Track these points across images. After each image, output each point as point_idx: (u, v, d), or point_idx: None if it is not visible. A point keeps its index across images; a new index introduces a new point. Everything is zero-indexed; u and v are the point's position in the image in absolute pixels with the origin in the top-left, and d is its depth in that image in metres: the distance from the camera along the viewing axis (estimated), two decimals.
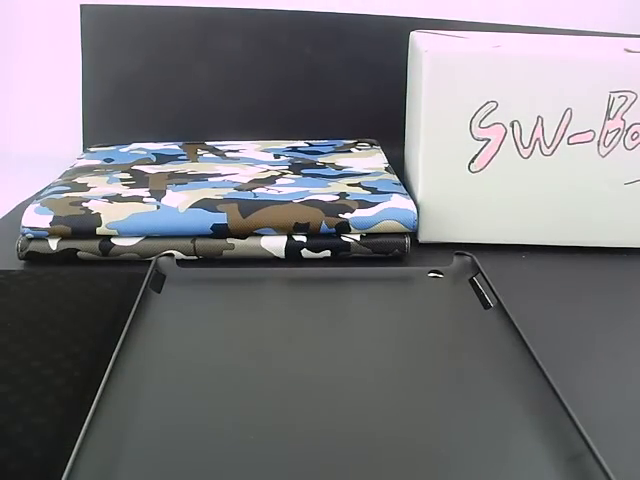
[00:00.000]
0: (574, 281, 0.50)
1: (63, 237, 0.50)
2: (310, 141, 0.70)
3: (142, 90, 0.77)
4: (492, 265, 0.45)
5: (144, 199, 0.53)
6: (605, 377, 0.38)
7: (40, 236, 0.50)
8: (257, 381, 0.35)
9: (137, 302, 0.40)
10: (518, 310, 0.40)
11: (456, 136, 0.52)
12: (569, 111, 0.51)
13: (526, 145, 0.52)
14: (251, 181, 0.57)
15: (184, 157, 0.64)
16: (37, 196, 0.54)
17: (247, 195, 0.53)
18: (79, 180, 0.57)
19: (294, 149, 0.67)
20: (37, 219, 0.50)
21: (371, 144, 0.69)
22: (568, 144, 0.52)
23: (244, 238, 0.51)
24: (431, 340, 0.39)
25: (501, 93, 0.51)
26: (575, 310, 0.45)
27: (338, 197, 0.53)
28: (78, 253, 0.50)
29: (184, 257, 0.51)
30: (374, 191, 0.54)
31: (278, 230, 0.51)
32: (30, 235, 0.50)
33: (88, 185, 0.56)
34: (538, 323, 0.41)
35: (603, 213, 0.53)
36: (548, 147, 0.52)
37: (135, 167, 0.61)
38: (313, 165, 0.62)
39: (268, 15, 0.76)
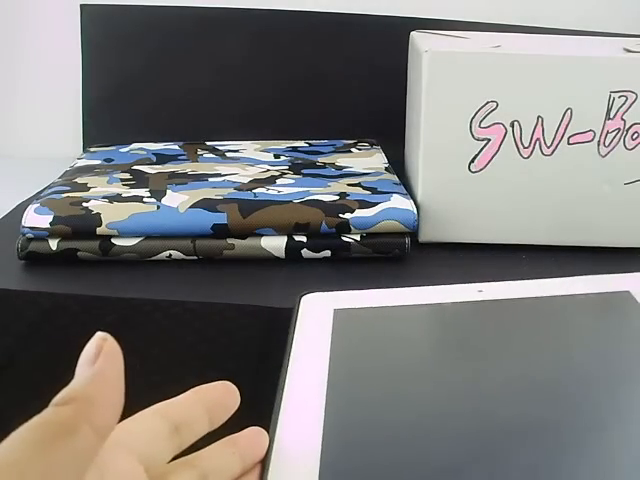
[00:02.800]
0: None
1: (63, 237, 0.50)
2: (310, 141, 0.70)
3: (142, 90, 0.77)
4: (492, 265, 0.45)
5: (144, 199, 0.53)
6: None
7: (40, 236, 0.50)
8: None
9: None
10: None
11: (456, 136, 0.52)
12: (569, 111, 0.51)
13: (526, 145, 0.52)
14: (251, 181, 0.57)
15: (184, 157, 0.64)
16: (37, 196, 0.54)
17: (247, 195, 0.53)
18: (79, 180, 0.57)
19: (294, 149, 0.67)
20: (37, 219, 0.50)
21: (371, 144, 0.69)
22: (568, 144, 0.52)
23: (244, 238, 0.51)
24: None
25: (501, 93, 0.51)
26: None
27: (338, 197, 0.53)
28: (78, 253, 0.50)
29: (184, 257, 0.51)
30: (374, 191, 0.54)
31: (278, 230, 0.51)
32: (30, 235, 0.50)
33: (88, 185, 0.56)
34: None
35: (603, 213, 0.53)
36: (548, 147, 0.52)
37: (135, 167, 0.61)
38: (313, 165, 0.62)
39: (268, 15, 0.76)
